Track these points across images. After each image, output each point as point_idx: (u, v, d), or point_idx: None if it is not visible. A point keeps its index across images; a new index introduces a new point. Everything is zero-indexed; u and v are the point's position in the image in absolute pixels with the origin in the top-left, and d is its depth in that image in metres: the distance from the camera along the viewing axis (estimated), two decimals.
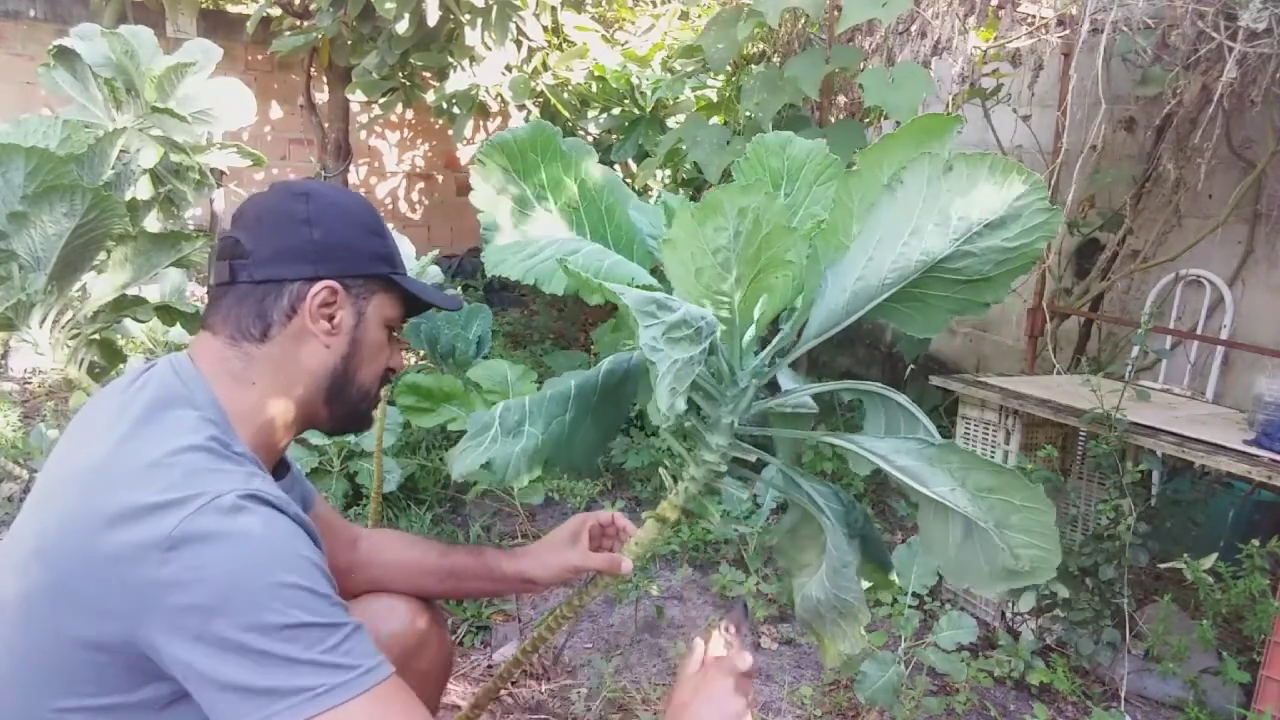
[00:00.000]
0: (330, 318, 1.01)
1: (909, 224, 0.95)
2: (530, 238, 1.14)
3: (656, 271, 1.17)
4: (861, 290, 1.00)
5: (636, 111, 4.28)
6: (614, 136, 4.31)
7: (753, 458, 1.16)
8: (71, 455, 0.94)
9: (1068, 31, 2.94)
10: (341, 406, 1.06)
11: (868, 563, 1.19)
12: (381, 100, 4.59)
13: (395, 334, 1.10)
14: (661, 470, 1.24)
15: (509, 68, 4.41)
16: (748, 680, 1.04)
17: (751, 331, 1.08)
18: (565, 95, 4.47)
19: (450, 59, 4.29)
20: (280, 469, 1.10)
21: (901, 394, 1.13)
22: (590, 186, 1.17)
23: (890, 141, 1.03)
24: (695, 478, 1.17)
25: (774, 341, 1.14)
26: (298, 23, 4.72)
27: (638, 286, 1.03)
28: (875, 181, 1.01)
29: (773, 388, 1.19)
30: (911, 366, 3.75)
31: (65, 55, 2.39)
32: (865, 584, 1.17)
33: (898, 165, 0.97)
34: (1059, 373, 2.91)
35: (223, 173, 3.45)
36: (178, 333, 2.58)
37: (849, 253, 1.01)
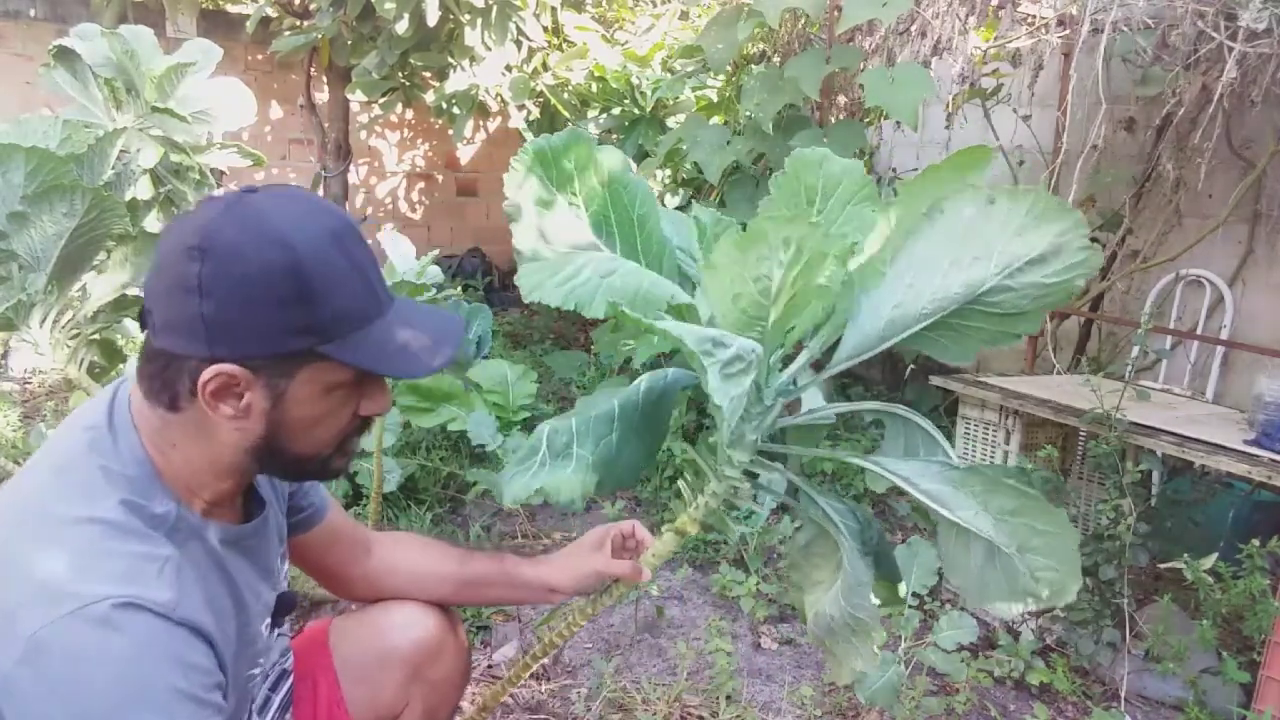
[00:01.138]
0: (238, 397, 0.85)
1: (949, 255, 0.96)
2: (560, 248, 1.12)
3: (685, 281, 1.17)
4: (899, 318, 1.01)
5: (636, 111, 4.29)
6: (614, 136, 4.31)
7: (775, 474, 1.16)
8: (16, 479, 0.91)
9: (1068, 31, 2.94)
10: (281, 472, 0.96)
11: (880, 579, 1.19)
12: (381, 100, 4.59)
13: (366, 381, 0.92)
14: (681, 483, 1.23)
15: (509, 68, 4.41)
16: None
17: (780, 352, 1.09)
18: (565, 95, 4.47)
19: (450, 59, 4.29)
20: (251, 506, 1.02)
21: (924, 417, 1.14)
22: (623, 196, 1.15)
23: (932, 172, 1.04)
24: (716, 493, 1.17)
25: (799, 360, 1.14)
26: (298, 23, 4.72)
27: (674, 306, 1.02)
28: (915, 210, 1.02)
29: (794, 404, 1.20)
30: (911, 366, 3.75)
31: (65, 55, 2.40)
32: (876, 601, 1.17)
33: (937, 195, 0.98)
34: (1059, 373, 2.91)
35: (223, 173, 3.45)
36: None
37: (887, 279, 1.02)
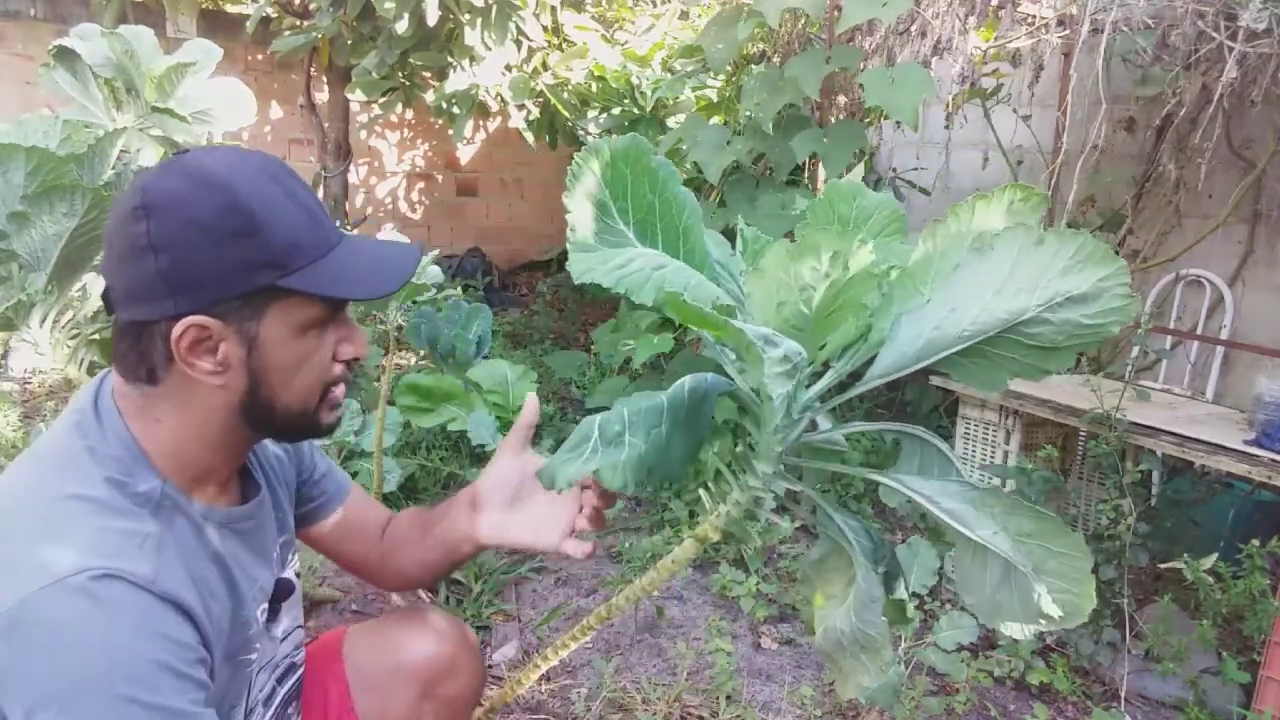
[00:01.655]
0: (213, 351, 0.85)
1: (994, 285, 0.99)
2: (610, 247, 1.15)
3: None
4: (936, 339, 1.04)
5: (636, 111, 4.29)
6: (614, 136, 4.31)
7: (797, 487, 1.17)
8: (8, 467, 0.91)
9: (1068, 31, 2.94)
10: (273, 431, 0.95)
11: (890, 598, 1.20)
12: (381, 100, 4.59)
13: (335, 319, 0.93)
14: (703, 492, 1.24)
15: (509, 67, 4.41)
16: None
17: (810, 369, 1.10)
18: (565, 95, 4.47)
19: (450, 59, 4.29)
20: (248, 487, 1.02)
21: (940, 438, 1.16)
22: (671, 206, 1.18)
23: (980, 202, 1.07)
24: (739, 502, 1.18)
25: (827, 376, 1.15)
26: (298, 23, 4.72)
27: (718, 307, 1.04)
28: (959, 238, 1.05)
29: (812, 421, 1.21)
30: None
31: (65, 55, 2.40)
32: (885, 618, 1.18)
33: (983, 227, 1.02)
34: (1059, 373, 2.91)
35: None
36: None
37: (930, 302, 1.05)
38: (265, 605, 1.02)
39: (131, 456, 0.86)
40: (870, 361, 1.09)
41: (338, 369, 0.94)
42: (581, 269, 1.11)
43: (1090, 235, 0.94)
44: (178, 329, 0.83)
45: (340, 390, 0.96)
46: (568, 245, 1.13)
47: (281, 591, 1.07)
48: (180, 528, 0.88)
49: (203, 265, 0.83)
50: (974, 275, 1.00)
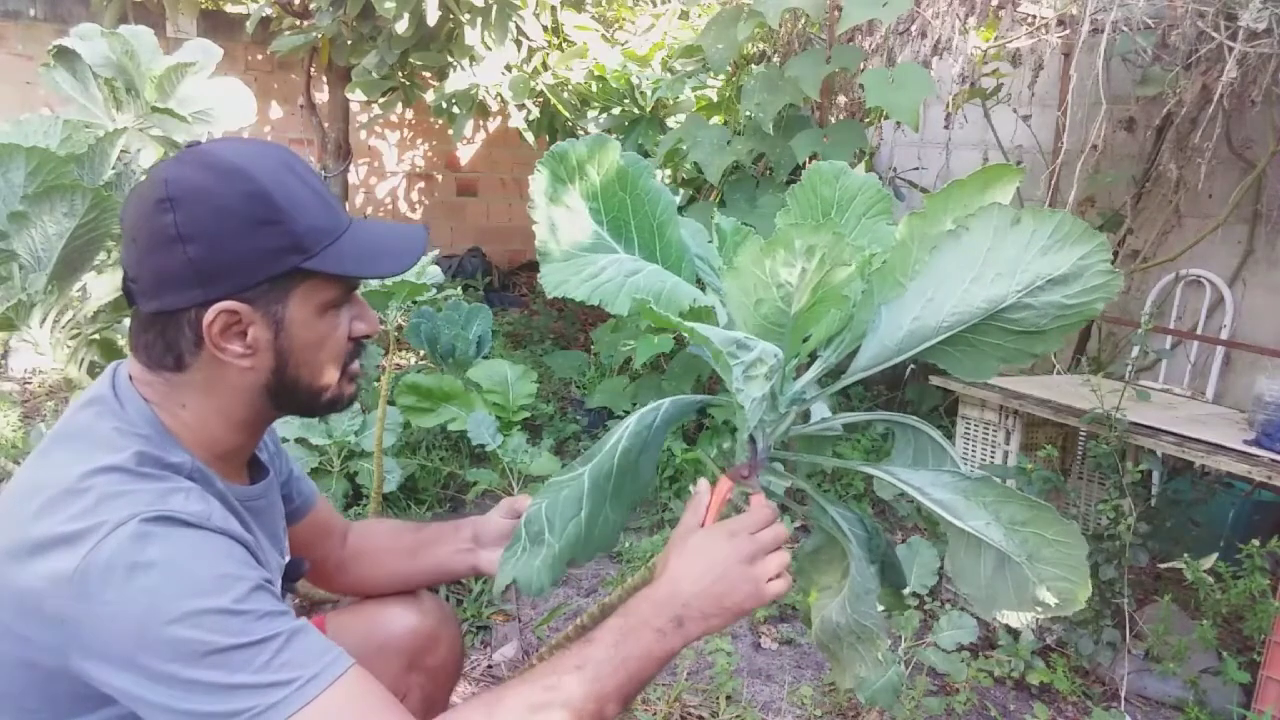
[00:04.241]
0: (242, 335, 0.89)
1: (972, 271, 0.96)
2: (583, 252, 1.13)
3: (702, 289, 1.18)
4: (917, 330, 1.02)
5: (636, 111, 4.28)
6: (614, 136, 4.30)
7: (787, 482, 1.16)
8: (24, 467, 0.92)
9: (1068, 31, 2.94)
10: (297, 407, 0.98)
11: (885, 586, 1.19)
12: (381, 100, 4.59)
13: (349, 299, 0.97)
14: (693, 489, 1.24)
15: (509, 67, 4.41)
16: (769, 536, 0.98)
17: (795, 361, 1.09)
18: (565, 95, 4.47)
19: (450, 58, 4.29)
20: (256, 472, 1.05)
21: (933, 427, 1.15)
22: (644, 202, 1.16)
23: (956, 188, 1.04)
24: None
25: (813, 369, 1.14)
26: (297, 23, 4.72)
27: (694, 309, 1.03)
28: (937, 225, 1.02)
29: (804, 412, 1.20)
30: (911, 366, 3.75)
31: (65, 55, 2.39)
32: (881, 608, 1.17)
33: (961, 211, 0.99)
34: (1059, 373, 2.91)
35: None
36: None
37: (907, 292, 1.02)
38: (279, 584, 1.05)
39: (159, 435, 0.89)
40: (855, 353, 1.08)
41: (352, 346, 0.98)
42: (555, 281, 1.09)
43: (1067, 213, 0.91)
44: (209, 315, 0.86)
45: (358, 366, 1.01)
46: (538, 256, 1.10)
47: (293, 572, 1.10)
48: (213, 498, 0.90)
49: (232, 253, 0.86)
50: (950, 260, 0.97)
